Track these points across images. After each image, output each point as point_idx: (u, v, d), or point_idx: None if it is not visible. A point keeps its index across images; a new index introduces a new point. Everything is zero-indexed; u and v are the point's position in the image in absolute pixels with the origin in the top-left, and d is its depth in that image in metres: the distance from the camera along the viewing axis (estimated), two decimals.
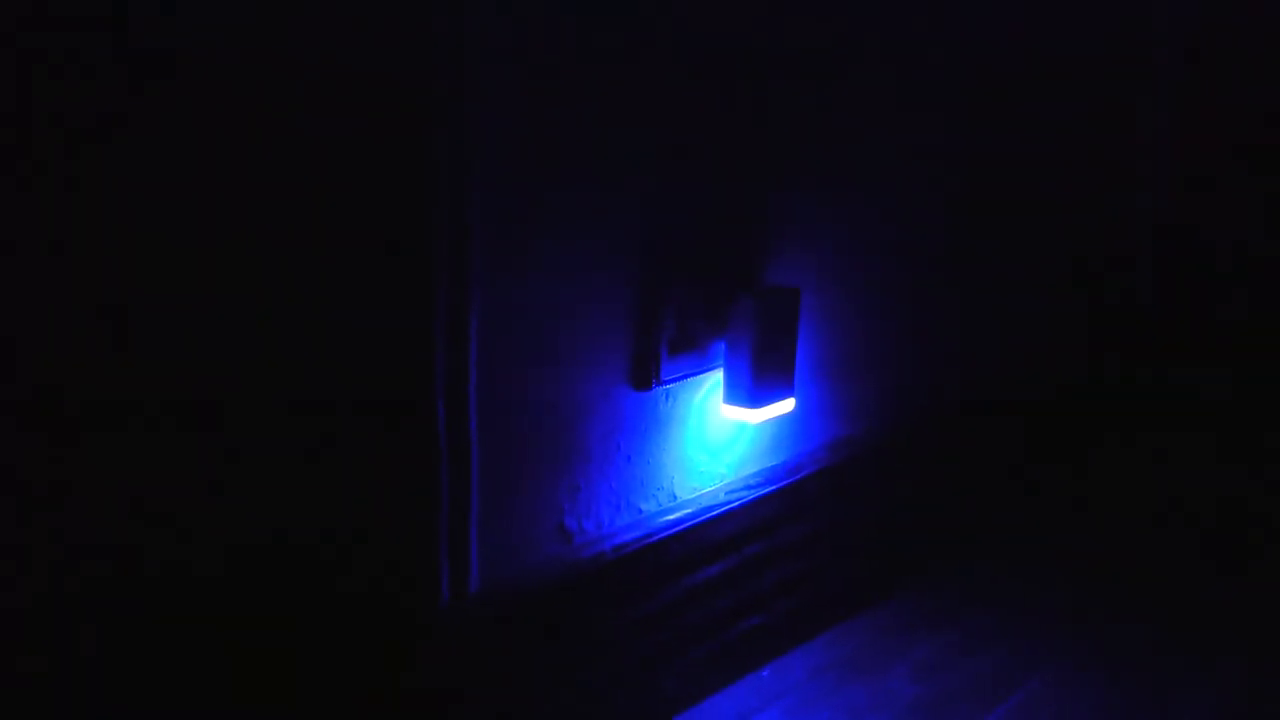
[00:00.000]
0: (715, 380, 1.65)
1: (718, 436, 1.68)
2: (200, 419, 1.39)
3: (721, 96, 1.60)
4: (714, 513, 1.65)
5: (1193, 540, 2.22)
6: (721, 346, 1.63)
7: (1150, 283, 2.59)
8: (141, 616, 1.40)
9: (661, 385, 1.58)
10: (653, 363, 1.56)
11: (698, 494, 1.66)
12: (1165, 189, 2.54)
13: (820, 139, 1.77)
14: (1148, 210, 2.54)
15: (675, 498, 1.64)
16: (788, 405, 1.67)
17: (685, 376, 1.61)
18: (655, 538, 1.58)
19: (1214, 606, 1.99)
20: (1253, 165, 2.51)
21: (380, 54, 1.29)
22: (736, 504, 1.68)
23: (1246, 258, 2.55)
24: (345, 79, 1.31)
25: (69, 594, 1.39)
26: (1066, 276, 2.41)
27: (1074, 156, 2.36)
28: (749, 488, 1.72)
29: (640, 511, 1.59)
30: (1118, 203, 2.54)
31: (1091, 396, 2.46)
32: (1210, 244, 2.57)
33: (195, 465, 1.40)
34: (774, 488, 1.74)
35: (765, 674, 1.74)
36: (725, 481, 1.71)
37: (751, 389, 1.61)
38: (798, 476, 1.78)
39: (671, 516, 1.61)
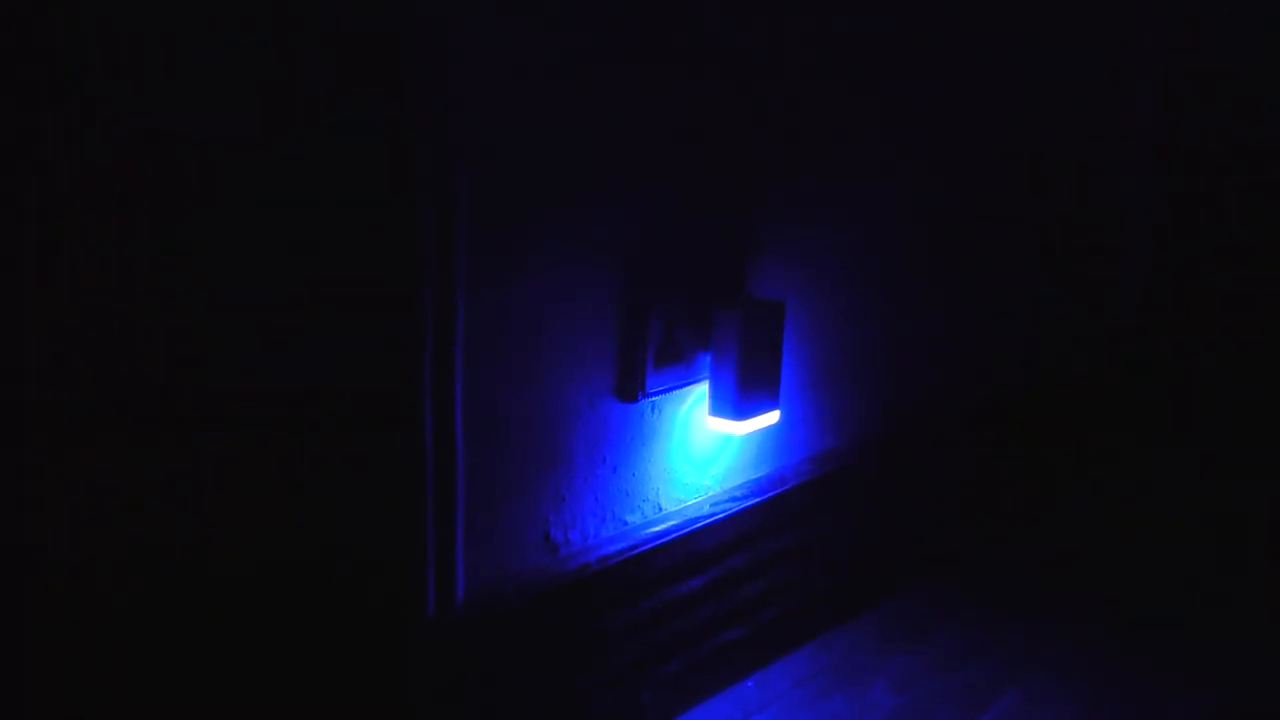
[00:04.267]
0: (701, 392, 1.65)
1: (703, 448, 1.69)
2: (188, 430, 1.39)
3: (710, 112, 1.61)
4: (699, 524, 1.66)
5: (1180, 552, 2.23)
6: (707, 359, 1.64)
7: (1138, 289, 2.60)
8: (133, 624, 1.40)
9: (647, 397, 1.58)
10: (639, 375, 1.57)
11: (683, 506, 1.67)
12: (1153, 191, 2.56)
13: (807, 154, 1.78)
14: (1137, 210, 2.56)
15: (660, 509, 1.64)
16: (773, 417, 1.68)
17: (671, 388, 1.61)
18: (640, 549, 1.58)
19: (1201, 619, 2.00)
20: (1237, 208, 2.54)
21: (366, 68, 1.30)
22: (721, 516, 1.69)
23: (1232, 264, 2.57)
24: (330, 93, 1.31)
25: (49, 597, 1.38)
26: (1054, 289, 2.42)
27: (1061, 169, 2.37)
28: (734, 500, 1.72)
29: (625, 523, 1.60)
30: (1105, 207, 2.56)
31: (1078, 408, 2.47)
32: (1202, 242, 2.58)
33: (182, 476, 1.40)
34: (759, 500, 1.75)
35: (749, 685, 1.74)
36: (710, 493, 1.71)
37: (737, 401, 1.61)
38: (783, 489, 1.79)
39: (656, 528, 1.62)
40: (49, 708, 1.40)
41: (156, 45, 1.31)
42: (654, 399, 1.60)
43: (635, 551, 1.58)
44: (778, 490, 1.78)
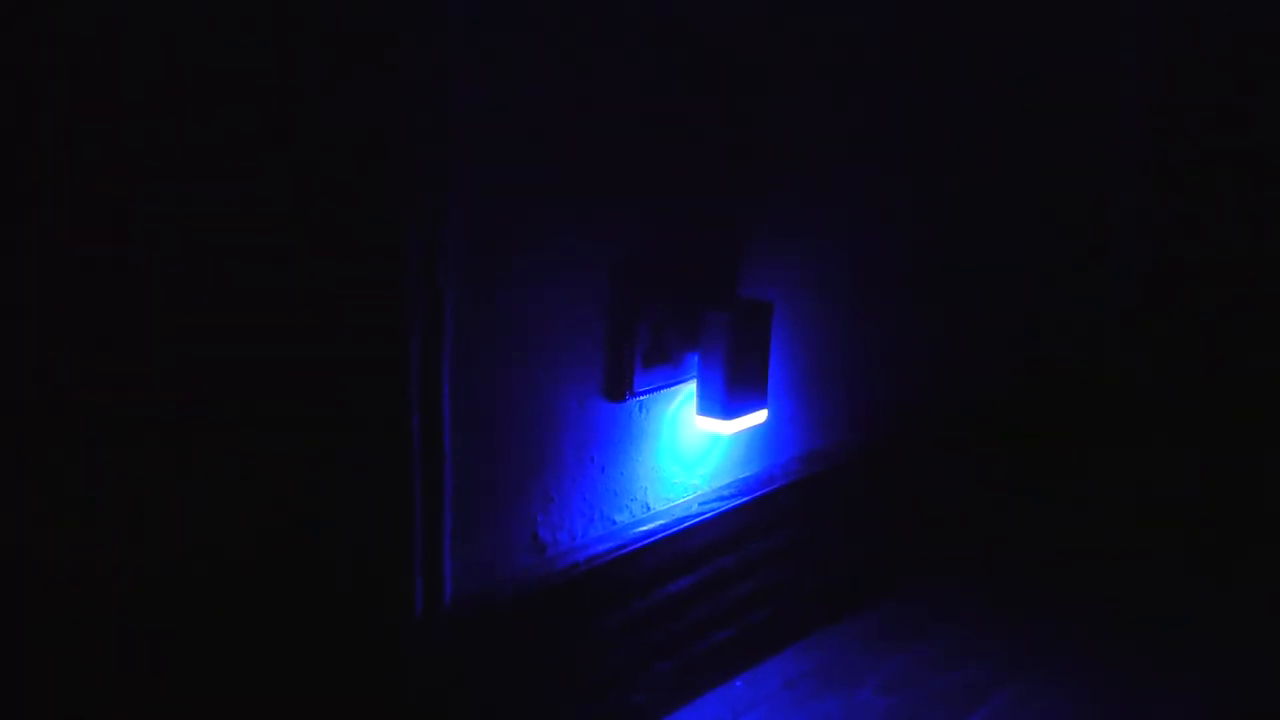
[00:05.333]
0: (689, 392, 1.66)
1: (691, 448, 1.69)
2: (178, 433, 1.40)
3: (699, 113, 1.61)
4: (687, 524, 1.66)
5: (1169, 553, 2.22)
6: (695, 358, 1.64)
7: (1137, 289, 2.60)
8: (130, 625, 1.41)
9: (635, 397, 1.59)
10: (627, 374, 1.57)
11: (671, 505, 1.67)
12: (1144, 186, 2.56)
13: (799, 156, 1.78)
14: (1135, 212, 2.56)
15: (649, 509, 1.65)
16: (761, 417, 1.68)
17: (659, 388, 1.62)
18: (628, 549, 1.59)
19: (1191, 618, 1.99)
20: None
21: (363, 72, 1.31)
22: (709, 515, 1.69)
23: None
24: (324, 96, 1.32)
25: (48, 597, 1.40)
26: (1051, 289, 2.42)
27: (1058, 170, 2.37)
28: (722, 499, 1.72)
29: (614, 523, 1.60)
30: (1103, 207, 2.56)
31: (1075, 408, 2.47)
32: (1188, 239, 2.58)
33: (170, 478, 1.41)
34: (747, 499, 1.75)
35: (738, 684, 1.74)
36: (698, 493, 1.71)
37: (725, 400, 1.62)
38: (771, 488, 1.79)
39: (645, 528, 1.62)
40: (49, 708, 1.41)
41: (157, 45, 1.32)
42: (642, 398, 1.60)
43: (623, 551, 1.58)
44: (766, 489, 1.78)
